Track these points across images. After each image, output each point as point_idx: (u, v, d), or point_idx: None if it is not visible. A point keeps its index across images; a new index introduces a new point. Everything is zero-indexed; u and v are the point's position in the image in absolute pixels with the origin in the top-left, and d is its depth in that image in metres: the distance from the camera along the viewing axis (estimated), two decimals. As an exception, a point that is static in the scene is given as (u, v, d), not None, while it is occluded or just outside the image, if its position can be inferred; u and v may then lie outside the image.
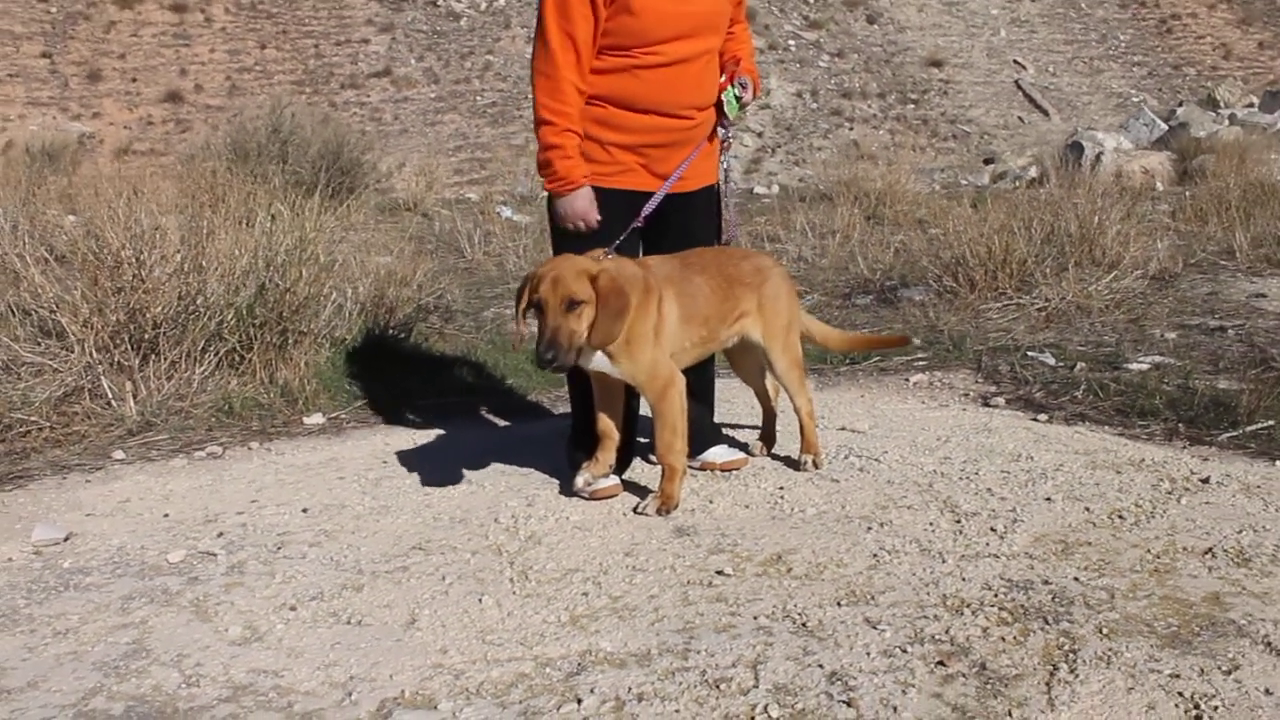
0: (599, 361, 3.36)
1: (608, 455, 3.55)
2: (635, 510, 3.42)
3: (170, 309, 4.83)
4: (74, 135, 27.79)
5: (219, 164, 8.94)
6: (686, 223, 3.76)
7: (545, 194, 3.67)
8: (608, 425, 3.56)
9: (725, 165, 3.85)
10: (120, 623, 2.77)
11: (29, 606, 2.87)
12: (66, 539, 3.34)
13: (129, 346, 4.75)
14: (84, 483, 3.92)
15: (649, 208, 3.60)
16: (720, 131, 3.78)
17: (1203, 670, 2.32)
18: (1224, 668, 2.33)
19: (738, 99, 3.74)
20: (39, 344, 4.85)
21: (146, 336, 4.78)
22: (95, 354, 4.69)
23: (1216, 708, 2.18)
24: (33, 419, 4.38)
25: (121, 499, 3.74)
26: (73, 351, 4.72)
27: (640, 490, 3.62)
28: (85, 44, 35.61)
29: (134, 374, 4.70)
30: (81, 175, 13.68)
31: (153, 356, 4.78)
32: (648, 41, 3.48)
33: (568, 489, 3.61)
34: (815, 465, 3.81)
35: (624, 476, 3.72)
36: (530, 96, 3.69)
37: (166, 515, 3.56)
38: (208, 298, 4.92)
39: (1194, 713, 2.17)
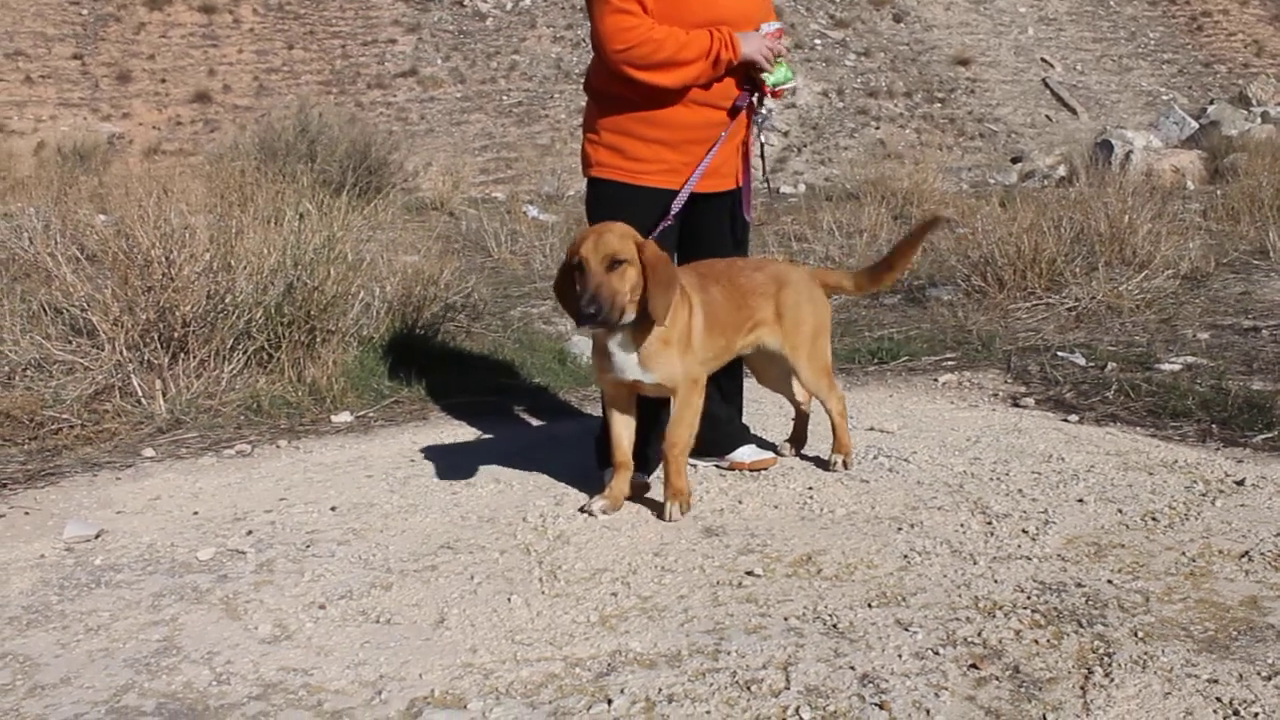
0: (632, 369, 3.29)
1: (622, 486, 3.48)
2: (661, 517, 3.36)
3: (199, 308, 4.86)
4: (104, 136, 28.05)
5: (247, 164, 8.98)
6: (720, 224, 3.73)
7: (574, 191, 3.66)
8: (625, 455, 3.47)
9: (762, 141, 3.78)
10: (151, 620, 2.78)
11: (61, 603, 2.89)
12: (98, 536, 3.36)
13: (159, 345, 4.77)
14: (114, 480, 3.94)
15: (677, 204, 3.54)
16: (757, 116, 3.68)
17: (1241, 675, 2.28)
18: (1263, 673, 2.29)
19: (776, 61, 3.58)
20: (70, 342, 4.89)
21: (176, 335, 4.80)
22: (125, 352, 4.72)
23: (1256, 714, 2.14)
24: (64, 417, 4.41)
25: (151, 496, 3.76)
26: (103, 350, 4.75)
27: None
28: (115, 45, 35.93)
29: (163, 372, 4.73)
30: (112, 175, 13.80)
31: (182, 355, 4.81)
32: (689, 25, 3.44)
33: (595, 489, 3.59)
34: (845, 465, 3.78)
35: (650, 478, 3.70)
36: (587, 87, 3.66)
37: (196, 513, 3.58)
38: (236, 296, 4.94)
39: (1233, 718, 2.14)
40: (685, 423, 3.36)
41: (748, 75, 3.59)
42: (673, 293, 3.20)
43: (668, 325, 3.25)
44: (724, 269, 3.58)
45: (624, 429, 3.46)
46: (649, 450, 3.71)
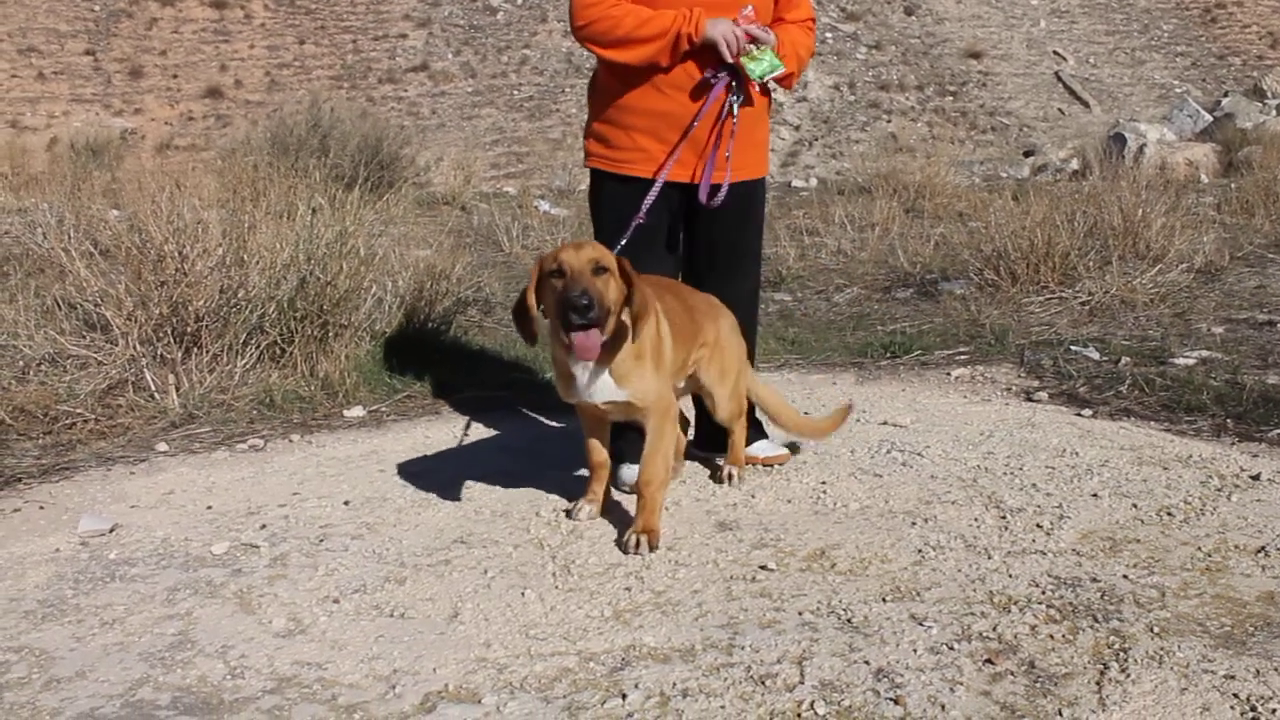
0: (605, 389, 3.10)
1: (601, 485, 3.38)
2: (623, 549, 3.10)
3: (212, 302, 4.87)
4: (117, 131, 28.11)
5: (259, 159, 8.99)
6: (723, 219, 3.66)
7: (585, 185, 3.64)
8: (601, 455, 3.35)
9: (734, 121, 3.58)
10: (166, 614, 2.79)
11: (76, 597, 2.90)
12: (112, 530, 3.36)
13: (172, 339, 4.78)
14: (128, 474, 3.95)
15: (648, 201, 3.46)
16: (732, 98, 3.52)
17: (1258, 671, 2.27)
18: (1280, 668, 2.28)
19: (756, 48, 3.46)
20: (84, 337, 4.90)
21: (189, 329, 4.81)
22: (139, 347, 4.73)
23: (1274, 710, 2.13)
24: (78, 411, 4.42)
25: (165, 491, 3.77)
26: (117, 344, 4.75)
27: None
28: (127, 41, 36.03)
29: (176, 367, 4.74)
30: (124, 171, 13.83)
31: (195, 349, 4.81)
32: (664, 5, 3.43)
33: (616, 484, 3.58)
34: (740, 477, 3.64)
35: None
36: (586, 75, 3.67)
37: (209, 507, 3.59)
38: (249, 291, 4.95)
39: (1250, 714, 2.13)
40: (660, 456, 3.16)
41: (724, 62, 3.48)
42: (651, 310, 3.04)
43: (638, 339, 3.08)
44: (668, 285, 3.48)
45: (599, 429, 3.34)
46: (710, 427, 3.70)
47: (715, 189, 3.57)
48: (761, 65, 3.49)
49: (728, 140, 3.56)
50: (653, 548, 3.07)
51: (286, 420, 4.58)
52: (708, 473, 3.76)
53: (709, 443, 3.88)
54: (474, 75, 37.14)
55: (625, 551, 3.07)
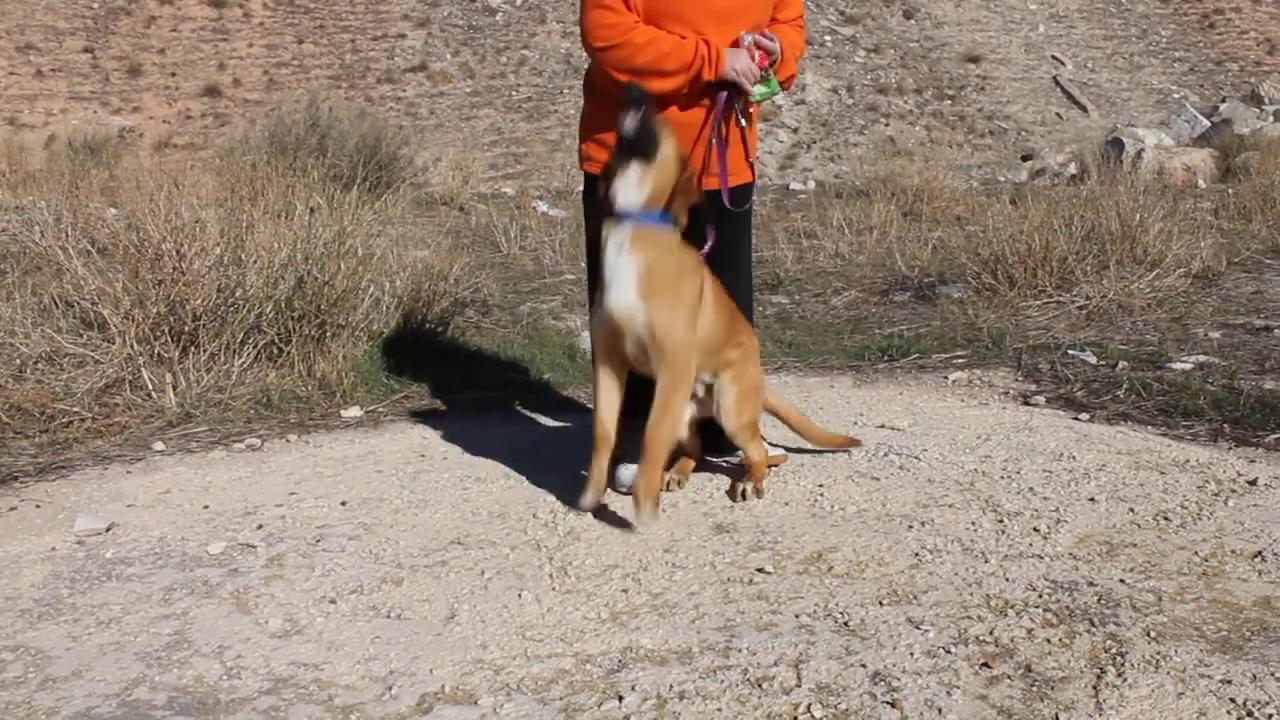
0: (625, 293, 3.13)
1: (603, 463, 3.34)
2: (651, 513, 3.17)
3: (210, 301, 4.86)
4: (114, 129, 28.09)
5: (257, 158, 8.98)
6: (726, 221, 3.64)
7: (579, 189, 3.63)
8: (606, 430, 3.33)
9: (742, 126, 3.68)
10: (162, 613, 2.78)
11: (72, 596, 2.89)
12: (108, 529, 3.36)
13: (169, 338, 4.78)
14: (125, 473, 3.95)
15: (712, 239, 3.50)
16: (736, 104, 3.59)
17: (1255, 676, 2.27)
18: (1277, 674, 2.28)
19: (766, 75, 3.53)
20: (81, 335, 4.89)
21: (186, 329, 4.81)
22: (136, 346, 4.72)
23: (1270, 715, 2.13)
24: (75, 410, 4.41)
25: (162, 490, 3.76)
26: (114, 343, 4.75)
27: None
28: (126, 39, 36.00)
29: (174, 366, 4.73)
30: (122, 169, 13.81)
31: (192, 348, 4.81)
32: (680, 20, 3.43)
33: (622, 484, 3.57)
34: (758, 494, 3.53)
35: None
36: (588, 83, 3.66)
37: (206, 507, 3.58)
38: (247, 290, 4.94)
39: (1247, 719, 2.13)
40: (670, 413, 3.18)
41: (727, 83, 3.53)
42: (678, 180, 3.25)
43: (677, 279, 3.19)
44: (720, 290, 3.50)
45: (610, 395, 3.32)
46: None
47: (734, 194, 3.64)
48: (763, 90, 3.57)
49: (740, 145, 3.67)
50: (654, 513, 3.14)
51: (284, 420, 4.58)
52: (705, 475, 3.75)
53: (710, 447, 3.87)
54: (472, 76, 37.15)
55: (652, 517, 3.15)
